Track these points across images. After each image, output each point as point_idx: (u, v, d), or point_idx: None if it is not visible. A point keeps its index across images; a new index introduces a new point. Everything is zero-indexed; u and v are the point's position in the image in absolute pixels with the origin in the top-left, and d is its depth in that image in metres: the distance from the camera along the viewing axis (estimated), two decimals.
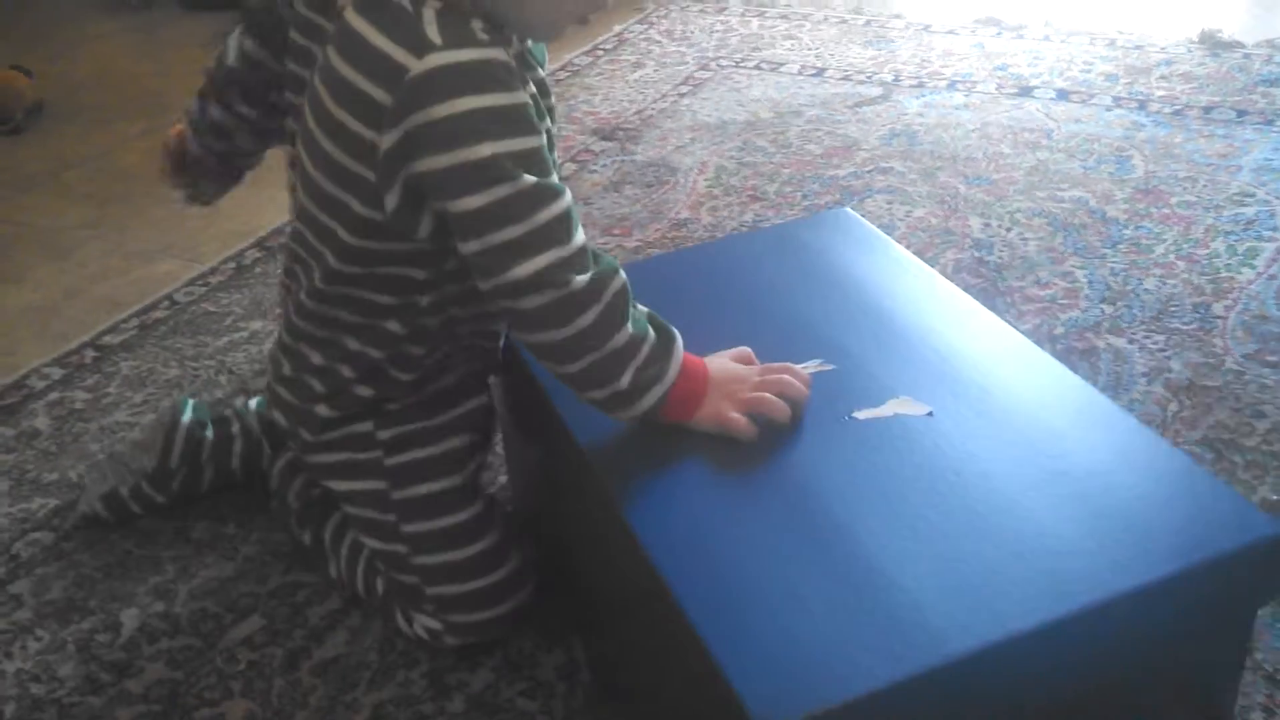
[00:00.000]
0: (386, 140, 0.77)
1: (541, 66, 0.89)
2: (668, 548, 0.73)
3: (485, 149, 0.75)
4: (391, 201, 0.80)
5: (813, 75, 2.07)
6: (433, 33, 0.75)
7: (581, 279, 0.78)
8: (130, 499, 1.11)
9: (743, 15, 2.40)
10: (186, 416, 1.12)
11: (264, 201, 1.76)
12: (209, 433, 1.12)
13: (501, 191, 0.75)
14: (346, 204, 0.83)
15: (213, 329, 1.45)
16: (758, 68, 2.13)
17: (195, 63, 2.37)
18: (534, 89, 0.83)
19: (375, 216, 0.82)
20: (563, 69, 2.18)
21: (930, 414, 0.83)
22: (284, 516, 1.07)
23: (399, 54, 0.75)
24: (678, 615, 0.68)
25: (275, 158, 1.87)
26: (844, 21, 2.32)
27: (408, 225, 0.82)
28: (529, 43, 0.86)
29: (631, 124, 1.94)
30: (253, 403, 1.17)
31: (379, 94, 0.76)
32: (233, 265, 1.59)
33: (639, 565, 0.74)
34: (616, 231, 1.59)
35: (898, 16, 2.32)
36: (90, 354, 1.41)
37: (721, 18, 2.40)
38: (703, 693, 0.67)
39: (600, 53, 2.25)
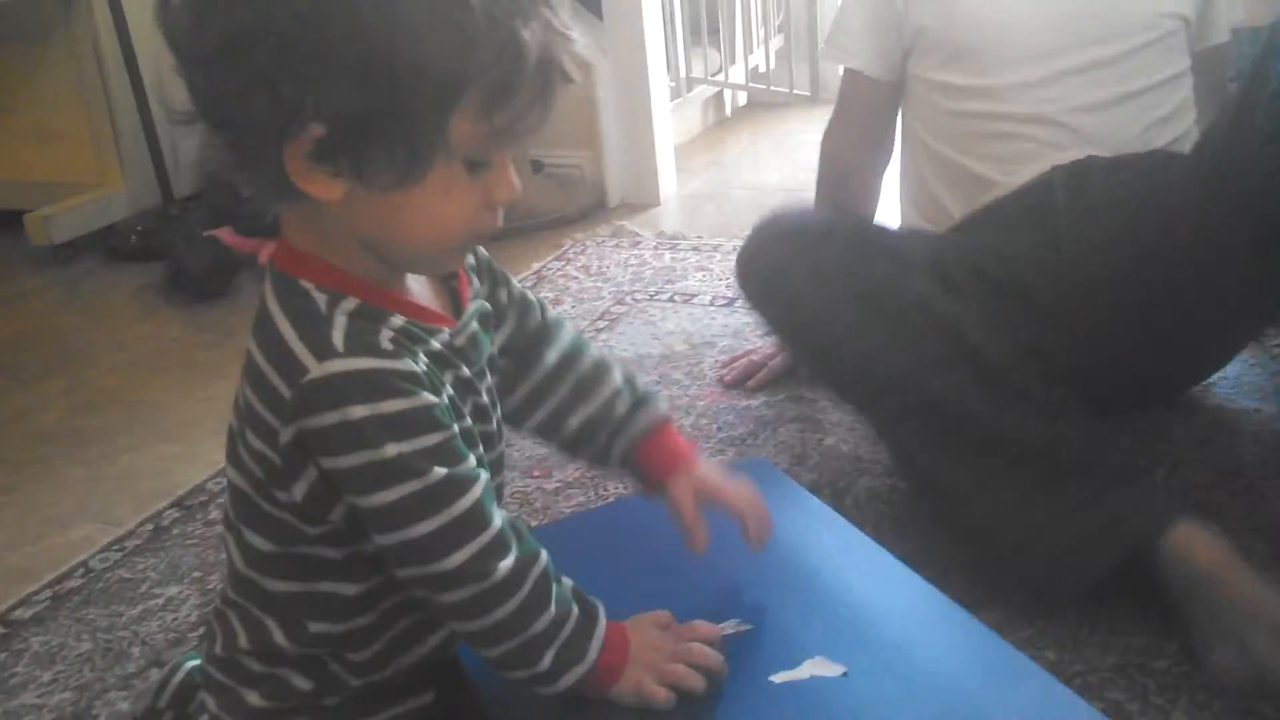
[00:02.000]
0: (285, 434, 0.77)
1: (483, 350, 0.89)
2: None
3: (390, 449, 0.75)
4: (300, 490, 0.80)
5: (724, 305, 2.14)
6: (337, 339, 0.76)
7: (505, 565, 0.78)
8: None
9: (656, 248, 2.50)
10: (190, 662, 1.05)
11: (182, 458, 1.76)
12: None
13: (411, 487, 0.76)
14: (257, 475, 0.82)
15: (128, 597, 1.42)
16: (671, 300, 2.20)
17: (119, 315, 2.42)
18: (465, 374, 0.84)
19: (287, 499, 0.81)
20: None
21: (845, 674, 0.84)
22: None
23: (301, 352, 0.76)
24: None
25: (197, 410, 1.87)
26: None
27: (318, 513, 0.81)
28: (470, 330, 0.86)
29: None
30: None
31: (281, 386, 0.76)
32: (150, 527, 1.58)
33: None
34: (536, 474, 1.61)
35: None
36: None
37: (636, 251, 2.49)
38: None
39: None
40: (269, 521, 0.83)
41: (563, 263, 2.46)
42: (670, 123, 2.93)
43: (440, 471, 0.76)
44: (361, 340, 0.76)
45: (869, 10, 1.61)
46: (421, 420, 0.76)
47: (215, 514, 1.58)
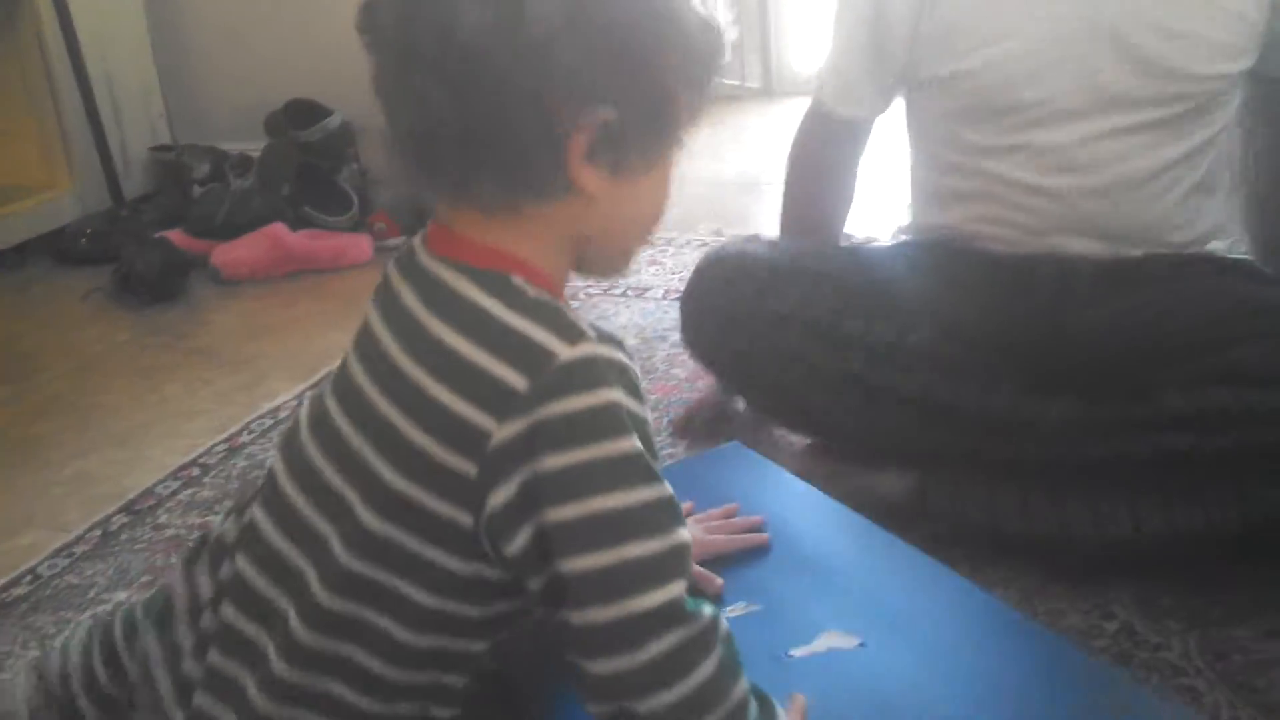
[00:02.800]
0: (504, 432, 0.67)
1: None
2: None
3: (638, 444, 0.68)
4: (499, 498, 0.68)
5: (676, 299, 2.14)
6: (585, 326, 0.70)
7: (706, 614, 0.69)
8: None
9: None
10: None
11: (132, 462, 1.75)
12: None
13: (654, 494, 0.68)
14: (423, 558, 0.71)
15: (75, 603, 1.41)
16: (624, 294, 2.21)
17: (70, 316, 2.39)
18: None
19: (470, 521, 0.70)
20: None
21: (861, 645, 0.86)
22: None
23: (544, 339, 0.68)
24: None
25: (148, 414, 1.86)
26: (705, 244, 2.43)
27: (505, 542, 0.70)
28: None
29: None
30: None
31: (511, 376, 0.68)
32: (99, 533, 1.57)
33: None
34: None
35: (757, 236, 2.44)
36: None
37: None
38: None
39: None
40: (422, 566, 0.72)
41: None
42: None
43: (665, 488, 0.70)
44: (600, 335, 0.71)
45: (868, 58, 1.41)
46: (649, 433, 0.71)
47: (164, 518, 1.58)
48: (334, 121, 2.66)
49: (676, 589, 0.67)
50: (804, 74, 3.27)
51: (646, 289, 2.21)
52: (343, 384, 0.77)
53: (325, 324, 2.20)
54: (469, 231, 0.74)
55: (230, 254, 2.46)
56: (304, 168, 2.63)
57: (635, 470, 0.67)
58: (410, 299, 0.74)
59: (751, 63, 3.32)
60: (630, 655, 0.65)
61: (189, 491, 1.64)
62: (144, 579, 1.44)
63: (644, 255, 2.41)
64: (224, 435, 1.79)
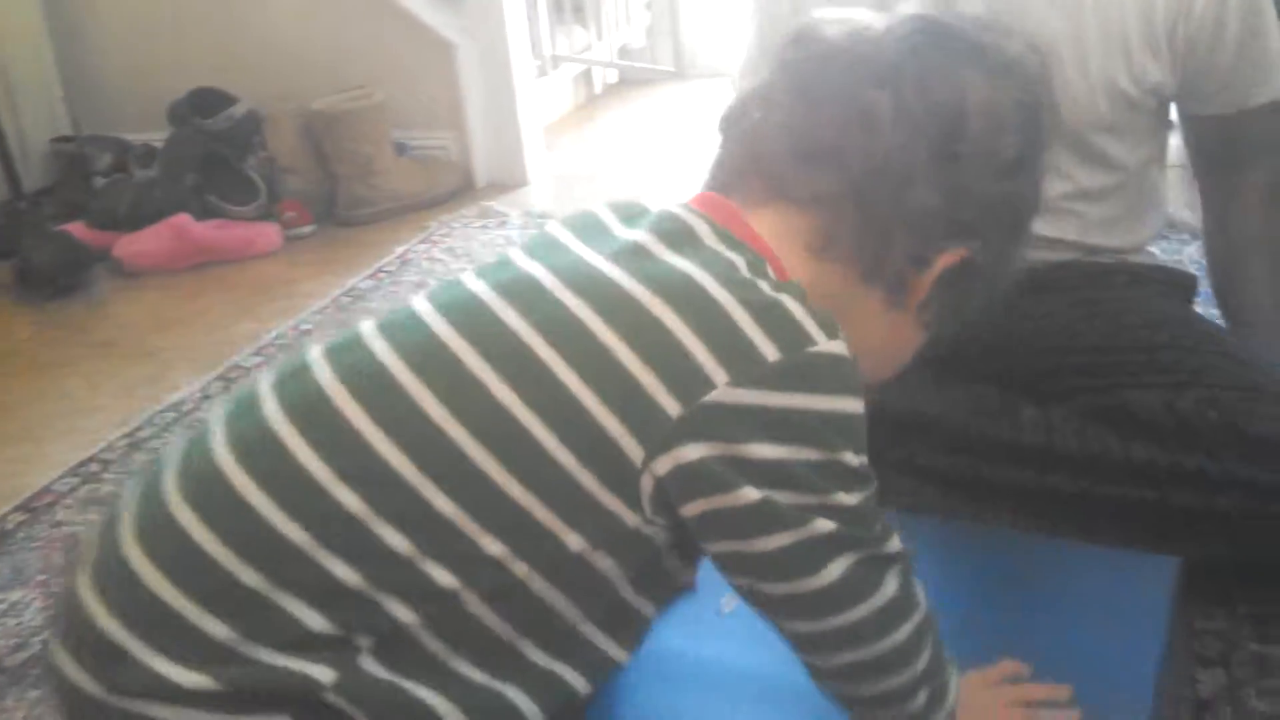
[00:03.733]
0: (714, 394, 0.64)
1: None
2: None
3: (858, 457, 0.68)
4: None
5: None
6: (844, 334, 0.69)
7: (895, 579, 0.69)
8: None
9: (522, 228, 2.49)
10: None
11: (32, 459, 1.71)
12: None
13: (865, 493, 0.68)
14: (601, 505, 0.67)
15: None
16: None
17: None
18: None
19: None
20: (346, 294, 2.21)
21: None
22: None
23: (811, 328, 0.67)
24: None
25: (49, 409, 1.82)
26: None
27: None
28: None
29: None
30: None
31: (766, 346, 0.65)
32: None
33: None
34: None
35: None
36: None
37: (502, 232, 2.48)
38: None
39: (383, 275, 2.29)
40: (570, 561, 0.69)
41: (428, 245, 2.43)
42: (537, 101, 2.91)
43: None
44: None
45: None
46: None
47: (62, 515, 1.54)
48: (239, 109, 2.61)
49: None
50: (715, 57, 3.28)
51: None
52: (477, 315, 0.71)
53: (232, 314, 2.16)
54: (805, 266, 0.73)
55: (133, 246, 2.41)
56: (209, 157, 2.57)
57: (851, 477, 0.67)
58: (674, 259, 0.70)
59: (663, 46, 3.32)
60: (823, 620, 0.67)
61: (88, 488, 1.61)
62: (40, 577, 1.41)
63: None
64: (125, 430, 1.75)
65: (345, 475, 0.67)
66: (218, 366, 1.94)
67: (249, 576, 0.67)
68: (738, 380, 0.64)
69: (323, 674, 0.66)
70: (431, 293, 0.76)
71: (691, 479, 0.64)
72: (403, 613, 0.67)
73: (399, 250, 2.40)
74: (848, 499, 0.66)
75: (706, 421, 0.64)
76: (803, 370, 0.65)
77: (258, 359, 1.95)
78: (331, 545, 0.67)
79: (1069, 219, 1.26)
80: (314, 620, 0.66)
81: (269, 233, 2.48)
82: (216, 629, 0.66)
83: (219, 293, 2.29)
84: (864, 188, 0.71)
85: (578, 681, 0.73)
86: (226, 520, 0.68)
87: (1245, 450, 1.05)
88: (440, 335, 0.70)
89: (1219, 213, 1.34)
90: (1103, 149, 1.23)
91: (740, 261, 0.70)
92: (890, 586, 0.68)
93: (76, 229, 2.49)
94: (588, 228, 0.76)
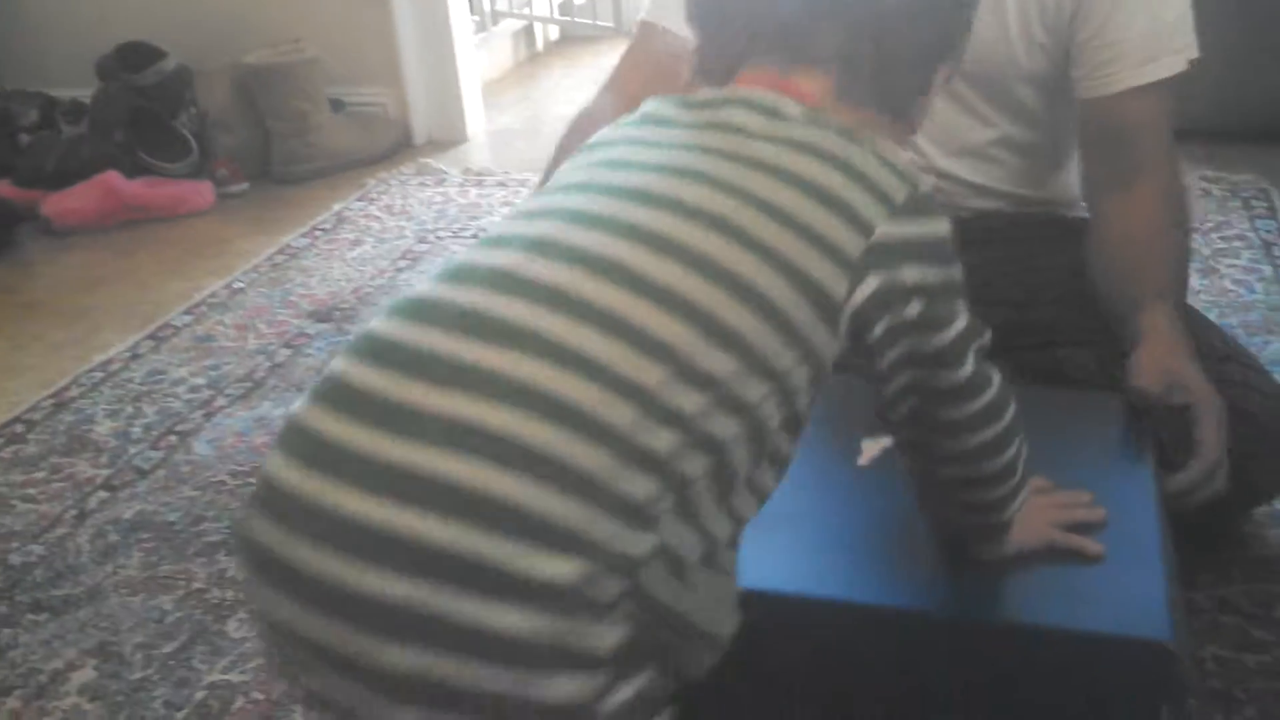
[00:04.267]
0: (879, 232, 0.73)
1: None
2: None
3: None
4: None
5: None
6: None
7: (994, 373, 0.79)
8: None
9: (461, 185, 2.46)
10: None
11: None
12: None
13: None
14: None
15: None
16: (474, 237, 2.18)
17: None
18: None
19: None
20: (280, 252, 2.17)
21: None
22: None
23: (907, 168, 0.76)
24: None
25: None
26: None
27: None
28: None
29: (348, 303, 1.94)
30: None
31: (896, 188, 0.74)
32: None
33: None
34: None
35: None
36: None
37: (441, 189, 2.45)
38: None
39: (319, 233, 2.26)
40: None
41: (365, 203, 2.40)
42: (476, 57, 2.87)
43: None
44: None
45: None
46: None
47: None
48: (169, 64, 2.55)
49: (972, 361, 0.77)
50: None
51: None
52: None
53: (163, 273, 2.12)
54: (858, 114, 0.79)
55: (62, 204, 2.35)
56: (139, 113, 2.51)
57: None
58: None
59: (603, 2, 3.28)
60: (956, 410, 0.77)
61: (12, 449, 1.57)
62: None
63: (497, 198, 2.38)
64: (50, 390, 1.72)
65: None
66: (148, 326, 1.90)
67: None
68: (888, 220, 0.73)
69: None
70: (600, 189, 0.77)
71: (875, 306, 0.73)
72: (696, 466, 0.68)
73: (336, 208, 2.37)
74: (964, 301, 0.77)
75: (876, 256, 0.72)
76: (920, 204, 0.75)
77: (188, 318, 1.92)
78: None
79: (995, 166, 1.26)
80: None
81: (201, 190, 2.44)
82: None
83: (150, 251, 2.25)
84: (876, 35, 0.79)
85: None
86: None
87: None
88: (642, 217, 0.72)
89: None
90: (1022, 100, 1.23)
91: (831, 122, 0.77)
92: (996, 376, 0.78)
93: (2, 187, 2.43)
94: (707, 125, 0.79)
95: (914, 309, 0.74)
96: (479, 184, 2.46)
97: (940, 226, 0.76)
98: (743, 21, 0.82)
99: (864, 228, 0.72)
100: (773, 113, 0.77)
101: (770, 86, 0.79)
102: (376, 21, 2.67)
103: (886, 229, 0.73)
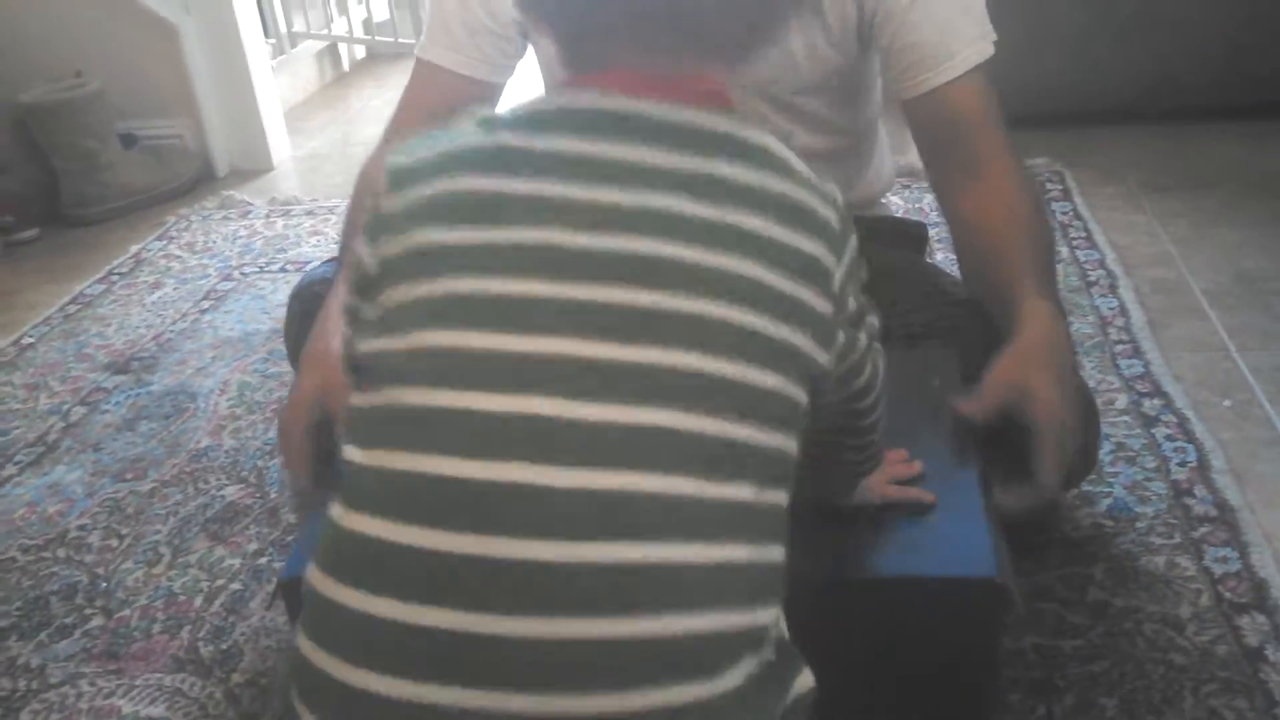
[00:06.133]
0: (839, 271, 0.70)
1: None
2: None
3: None
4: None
5: None
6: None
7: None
8: None
9: (268, 217, 2.37)
10: None
11: None
12: None
13: None
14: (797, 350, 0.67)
15: None
16: (283, 270, 2.09)
17: None
18: None
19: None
20: (73, 302, 2.05)
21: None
22: None
23: (825, 184, 0.71)
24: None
25: None
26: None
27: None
28: None
29: (148, 351, 1.84)
30: None
31: (830, 217, 0.70)
32: None
33: None
34: (130, 476, 1.49)
35: None
36: None
37: (245, 223, 2.35)
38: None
39: (115, 278, 2.14)
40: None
41: (164, 242, 2.28)
42: (276, 81, 2.78)
43: None
44: None
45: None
46: None
47: None
48: None
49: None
50: None
51: (307, 262, 2.10)
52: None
53: None
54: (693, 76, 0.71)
55: None
56: None
57: None
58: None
59: (403, 19, 3.22)
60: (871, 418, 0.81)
61: None
62: None
63: (305, 227, 2.30)
64: None
65: None
66: None
67: None
68: (837, 257, 0.70)
69: None
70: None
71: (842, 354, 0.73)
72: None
73: (133, 250, 2.25)
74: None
75: (840, 303, 0.70)
76: (845, 217, 0.71)
77: None
78: None
79: None
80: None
81: None
82: None
83: None
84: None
85: None
86: None
87: None
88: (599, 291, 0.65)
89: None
90: (814, 111, 1.23)
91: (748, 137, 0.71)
92: (876, 349, 0.78)
93: None
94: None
95: (863, 339, 0.76)
96: (286, 214, 2.37)
97: (855, 239, 0.74)
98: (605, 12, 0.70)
99: (825, 285, 0.69)
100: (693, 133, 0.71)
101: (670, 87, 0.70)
102: (163, 49, 2.55)
103: (837, 271, 0.69)
